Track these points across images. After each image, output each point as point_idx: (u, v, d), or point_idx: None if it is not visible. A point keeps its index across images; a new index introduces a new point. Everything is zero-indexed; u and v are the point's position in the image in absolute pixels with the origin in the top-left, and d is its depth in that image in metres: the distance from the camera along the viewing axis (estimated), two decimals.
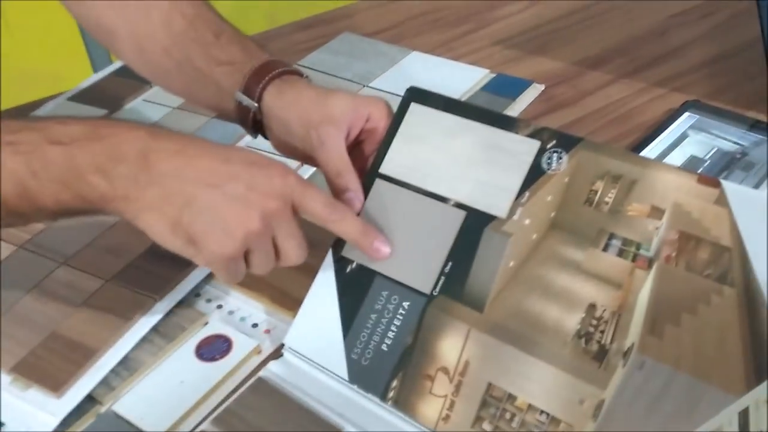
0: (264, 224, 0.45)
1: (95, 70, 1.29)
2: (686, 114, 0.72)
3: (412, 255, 0.50)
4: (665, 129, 0.70)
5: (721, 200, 0.43)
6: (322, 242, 0.53)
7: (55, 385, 0.50)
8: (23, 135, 0.43)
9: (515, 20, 0.93)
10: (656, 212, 0.45)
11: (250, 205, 0.44)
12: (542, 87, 0.80)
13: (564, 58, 0.86)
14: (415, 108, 0.53)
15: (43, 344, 0.53)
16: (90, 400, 0.50)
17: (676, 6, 0.92)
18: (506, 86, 0.79)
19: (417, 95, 0.54)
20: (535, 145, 0.49)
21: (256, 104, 0.55)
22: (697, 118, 0.71)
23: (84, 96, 0.82)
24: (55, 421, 0.48)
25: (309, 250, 0.48)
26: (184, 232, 0.44)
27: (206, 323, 0.55)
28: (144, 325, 0.54)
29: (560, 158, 0.48)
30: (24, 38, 1.41)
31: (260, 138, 0.59)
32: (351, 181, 0.52)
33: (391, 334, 0.49)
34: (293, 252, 0.47)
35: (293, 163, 0.68)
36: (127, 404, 0.49)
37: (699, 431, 0.40)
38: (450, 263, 0.49)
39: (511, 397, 0.45)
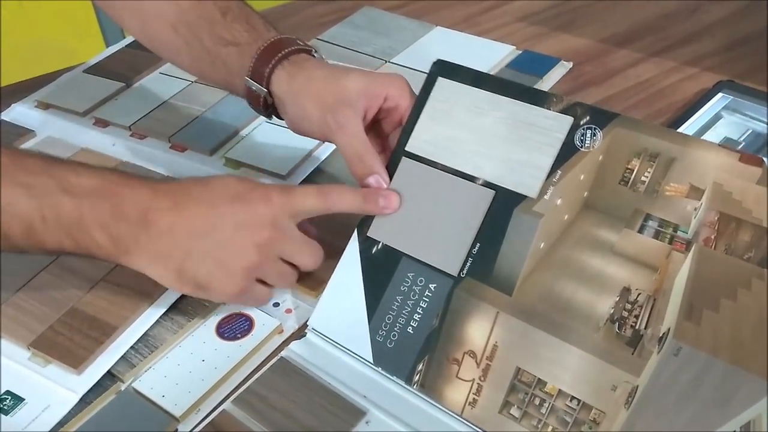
0: (262, 254, 0.48)
1: (108, 45, 1.28)
2: (720, 94, 0.70)
3: (439, 236, 0.49)
4: (698, 110, 0.68)
5: (764, 180, 0.42)
6: (347, 223, 0.52)
7: (75, 361, 0.49)
8: (41, 179, 0.45)
9: None
10: (695, 192, 0.44)
11: (240, 243, 0.47)
12: (570, 65, 0.78)
13: (591, 35, 0.83)
14: (442, 82, 0.52)
15: (61, 320, 0.52)
16: (110, 377, 0.50)
17: None
18: (533, 63, 0.77)
19: (444, 69, 0.52)
20: (567, 121, 0.47)
21: (265, 89, 0.54)
22: (731, 99, 0.69)
23: (99, 68, 0.81)
24: (75, 398, 0.48)
25: (323, 253, 0.50)
26: (190, 280, 0.48)
27: None
28: (164, 301, 0.53)
29: (594, 135, 0.46)
30: (37, 13, 1.40)
31: None
32: (374, 164, 0.50)
33: (417, 317, 0.48)
34: (306, 260, 0.50)
35: (312, 142, 0.67)
36: (147, 382, 0.49)
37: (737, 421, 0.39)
38: (478, 244, 0.48)
39: (541, 383, 0.44)
